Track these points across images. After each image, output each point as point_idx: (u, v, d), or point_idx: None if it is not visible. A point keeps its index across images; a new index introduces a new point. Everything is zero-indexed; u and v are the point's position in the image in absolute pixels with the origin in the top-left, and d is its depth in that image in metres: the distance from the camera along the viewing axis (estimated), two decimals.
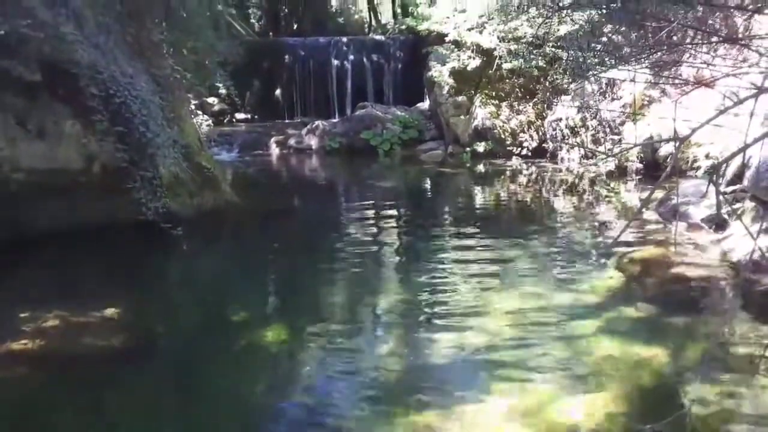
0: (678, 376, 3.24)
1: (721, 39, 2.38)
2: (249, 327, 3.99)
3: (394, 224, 7.16)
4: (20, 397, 3.14)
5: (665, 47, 2.43)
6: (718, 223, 5.38)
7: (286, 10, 19.72)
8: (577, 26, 5.33)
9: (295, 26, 19.40)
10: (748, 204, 5.18)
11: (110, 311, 3.97)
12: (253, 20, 18.80)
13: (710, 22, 3.19)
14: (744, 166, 5.30)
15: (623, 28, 3.47)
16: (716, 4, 2.43)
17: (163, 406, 3.12)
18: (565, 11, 3.23)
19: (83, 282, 4.52)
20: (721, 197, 3.48)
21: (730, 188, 5.56)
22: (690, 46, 2.52)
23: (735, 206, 5.23)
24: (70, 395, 3.16)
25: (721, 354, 3.47)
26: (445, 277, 4.76)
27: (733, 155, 2.87)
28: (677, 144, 1.84)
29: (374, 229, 6.70)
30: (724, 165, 4.26)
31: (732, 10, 2.74)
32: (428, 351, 3.59)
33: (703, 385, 3.05)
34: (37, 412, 2.98)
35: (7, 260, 4.38)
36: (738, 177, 5.58)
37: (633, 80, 4.06)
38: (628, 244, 5.29)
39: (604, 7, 2.37)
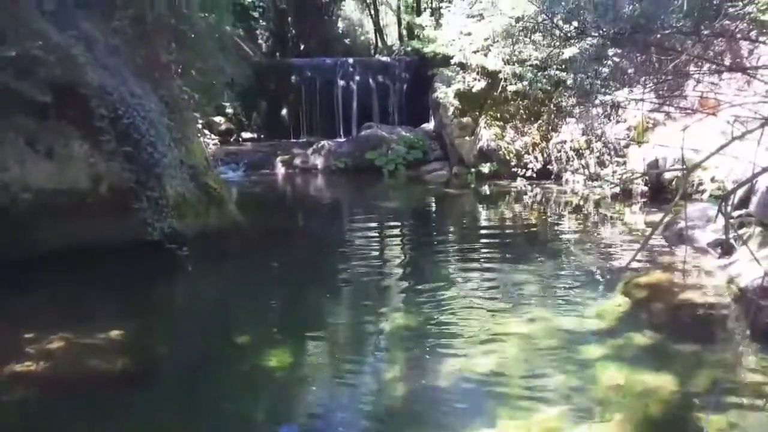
0: (686, 405, 3.20)
1: (726, 68, 2.39)
2: (253, 350, 3.97)
3: (399, 246, 7.16)
4: (23, 421, 3.12)
5: (671, 76, 2.45)
6: (724, 248, 5.35)
7: (293, 32, 19.95)
8: (582, 49, 5.36)
9: (302, 47, 19.61)
10: (755, 229, 5.15)
11: (115, 333, 3.96)
12: (260, 41, 19.02)
13: (715, 47, 3.20)
14: (750, 191, 5.29)
15: (629, 54, 3.50)
16: (722, 33, 2.45)
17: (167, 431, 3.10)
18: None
19: (89, 303, 4.51)
20: (730, 222, 3.46)
21: (737, 213, 5.54)
22: (695, 75, 2.54)
23: (741, 231, 5.21)
24: (73, 419, 3.13)
25: (730, 383, 3.43)
26: (450, 300, 4.73)
27: (743, 184, 2.87)
28: (685, 173, 1.83)
29: (379, 251, 6.70)
30: (733, 194, 4.24)
31: (738, 38, 2.75)
32: (433, 376, 3.55)
33: (712, 415, 3.01)
34: None
35: (14, 280, 4.38)
36: (744, 202, 5.56)
37: (641, 100, 4.07)
38: (634, 268, 5.26)
39: (611, 38, 2.40)
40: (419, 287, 5.14)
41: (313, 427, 3.12)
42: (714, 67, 2.47)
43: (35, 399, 3.31)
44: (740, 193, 5.62)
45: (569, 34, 2.56)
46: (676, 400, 3.23)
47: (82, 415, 3.17)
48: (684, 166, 2.07)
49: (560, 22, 2.51)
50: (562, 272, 5.56)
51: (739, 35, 3.20)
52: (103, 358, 3.66)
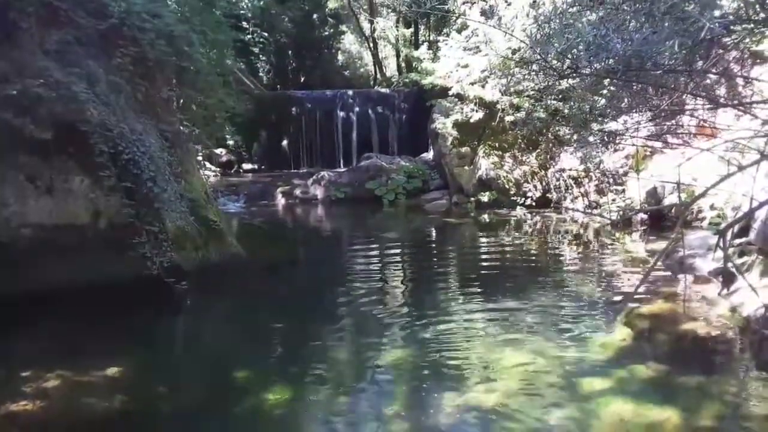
0: None
1: (721, 104, 2.41)
2: (252, 386, 3.91)
3: (400, 277, 7.13)
4: None
5: (666, 111, 2.47)
6: (725, 277, 5.32)
7: (294, 64, 20.26)
8: (578, 81, 5.43)
9: (303, 79, 19.88)
10: (756, 258, 5.13)
11: (113, 370, 3.91)
12: (261, 74, 19.29)
13: (710, 79, 3.24)
14: (750, 220, 5.29)
15: (624, 87, 3.54)
16: (714, 70, 2.49)
17: None
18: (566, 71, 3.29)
19: (86, 340, 4.48)
20: (729, 255, 3.45)
21: (737, 241, 5.53)
22: (690, 109, 2.56)
23: (742, 260, 5.18)
24: None
25: (735, 415, 3.38)
26: (452, 333, 4.69)
27: (740, 219, 2.87)
28: (684, 207, 1.84)
29: (379, 282, 6.67)
30: (731, 229, 4.26)
31: (731, 76, 2.79)
32: (434, 411, 3.50)
33: None
34: None
35: (12, 317, 4.36)
36: (744, 230, 5.55)
37: (636, 131, 4.10)
38: (636, 298, 5.23)
39: (604, 76, 2.43)
40: (420, 319, 5.10)
41: None
42: (708, 104, 2.50)
43: None
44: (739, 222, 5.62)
45: (562, 73, 2.60)
46: None
47: None
48: (681, 201, 2.07)
49: (553, 61, 2.55)
50: (564, 303, 5.52)
51: (733, 67, 3.24)
52: (101, 397, 3.62)
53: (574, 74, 2.56)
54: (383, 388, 3.95)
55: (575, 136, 9.38)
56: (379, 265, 7.62)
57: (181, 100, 7.07)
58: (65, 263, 5.08)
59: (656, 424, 3.24)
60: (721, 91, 3.76)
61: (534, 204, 10.58)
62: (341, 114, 15.51)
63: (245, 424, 3.50)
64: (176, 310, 5.47)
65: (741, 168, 1.98)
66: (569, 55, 2.36)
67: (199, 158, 10.21)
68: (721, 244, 1.74)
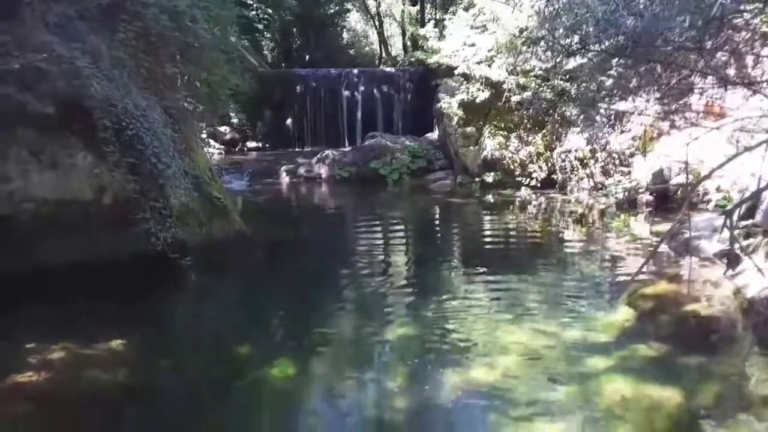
0: (693, 418, 3.16)
1: (731, 83, 2.37)
2: (254, 362, 3.94)
3: (403, 256, 7.14)
4: None
5: (675, 89, 2.44)
6: (730, 259, 5.30)
7: (299, 42, 20.08)
8: (585, 61, 5.35)
9: (307, 57, 19.71)
10: (761, 239, 5.11)
11: (116, 344, 3.95)
12: (266, 51, 19.14)
13: (719, 60, 3.19)
14: (757, 201, 5.25)
15: (632, 66, 3.49)
16: (725, 48, 2.44)
17: None
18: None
19: (90, 315, 4.50)
20: (735, 236, 3.44)
21: (743, 223, 5.50)
22: (699, 88, 2.52)
23: (748, 241, 5.16)
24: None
25: (736, 396, 3.39)
26: (454, 312, 4.71)
27: (747, 199, 2.84)
28: (691, 187, 1.82)
29: (382, 261, 6.68)
30: (737, 209, 4.23)
31: (742, 53, 2.74)
32: (436, 388, 3.53)
33: (719, 428, 2.97)
34: None
35: (16, 293, 4.38)
36: (751, 211, 5.52)
37: (644, 112, 4.06)
38: (640, 278, 5.22)
39: (613, 53, 2.39)
40: (423, 298, 5.12)
41: None
42: (717, 83, 2.46)
43: (35, 410, 3.30)
44: (746, 203, 5.58)
45: (571, 50, 2.55)
46: (682, 413, 3.19)
47: (81, 427, 3.16)
48: (688, 181, 2.05)
49: (561, 38, 2.50)
50: (567, 283, 5.53)
51: (743, 48, 3.18)
52: (104, 370, 3.65)
53: (583, 51, 2.51)
54: (386, 365, 3.99)
55: (582, 117, 9.29)
56: (383, 243, 7.63)
57: (185, 77, 7.00)
58: (69, 239, 5.08)
59: (658, 403, 3.25)
60: (731, 70, 3.70)
61: (539, 185, 10.53)
62: (346, 93, 15.41)
63: (248, 398, 3.53)
64: (180, 287, 5.49)
65: (748, 148, 1.95)
66: (578, 32, 2.31)
67: (203, 135, 10.18)
68: (728, 225, 1.72)
